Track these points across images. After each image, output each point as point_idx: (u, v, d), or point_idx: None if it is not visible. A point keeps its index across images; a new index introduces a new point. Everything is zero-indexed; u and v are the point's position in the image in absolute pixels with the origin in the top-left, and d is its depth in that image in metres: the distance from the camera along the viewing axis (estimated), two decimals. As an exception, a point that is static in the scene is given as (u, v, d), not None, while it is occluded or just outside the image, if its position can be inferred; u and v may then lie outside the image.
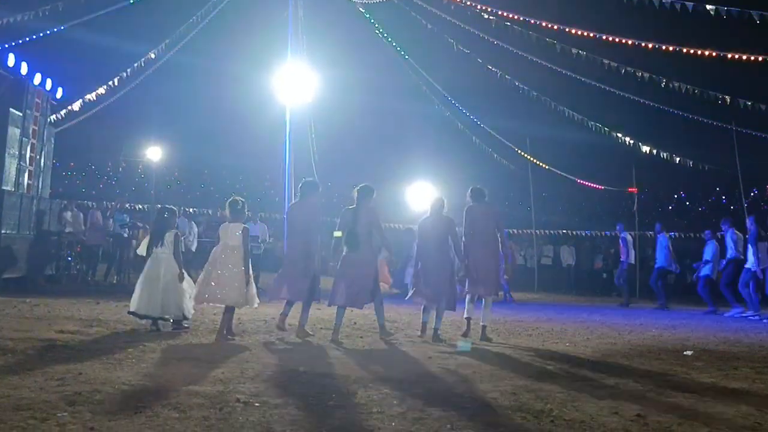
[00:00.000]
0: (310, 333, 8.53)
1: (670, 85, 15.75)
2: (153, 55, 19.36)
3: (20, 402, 4.44)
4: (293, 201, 8.67)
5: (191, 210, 25.08)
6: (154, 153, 27.66)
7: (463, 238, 9.18)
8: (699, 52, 13.92)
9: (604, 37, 14.89)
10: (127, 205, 21.63)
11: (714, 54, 13.83)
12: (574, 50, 15.27)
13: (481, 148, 24.87)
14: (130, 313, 8.35)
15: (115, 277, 17.22)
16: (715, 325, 12.44)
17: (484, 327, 9.10)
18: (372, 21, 21.17)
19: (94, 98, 19.66)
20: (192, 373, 5.69)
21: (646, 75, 15.60)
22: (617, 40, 14.83)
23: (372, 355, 7.38)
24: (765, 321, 13.73)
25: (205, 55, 23.63)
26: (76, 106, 19.35)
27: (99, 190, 33.25)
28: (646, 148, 21.27)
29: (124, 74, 19.83)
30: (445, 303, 8.90)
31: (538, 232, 26.65)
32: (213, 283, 7.97)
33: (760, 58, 13.44)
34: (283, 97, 17.72)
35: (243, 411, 4.47)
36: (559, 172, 26.10)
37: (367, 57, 25.15)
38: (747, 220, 15.05)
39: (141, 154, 28.72)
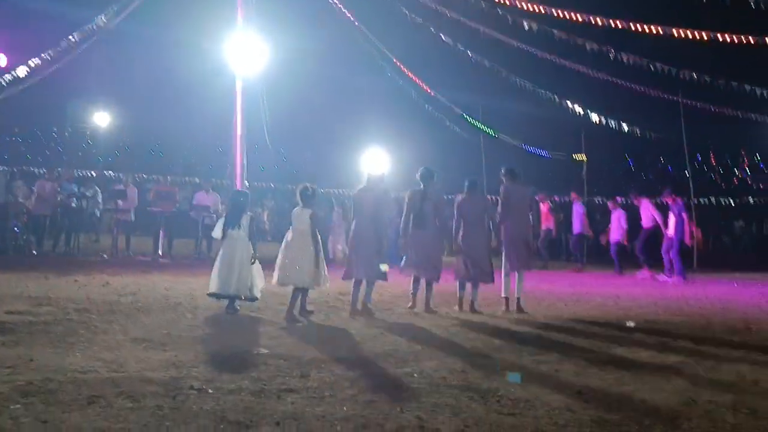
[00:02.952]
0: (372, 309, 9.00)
1: (618, 57, 16.05)
2: (103, 22, 18.83)
3: (-28, 393, 4.44)
4: (360, 186, 9.45)
5: (140, 176, 24.77)
6: (101, 119, 27.20)
7: (499, 216, 9.90)
8: (646, 28, 14.21)
9: (554, 11, 15.06)
10: (75, 173, 21.26)
11: (660, 31, 14.13)
12: (525, 22, 15.42)
13: (434, 115, 25.02)
14: (209, 295, 8.65)
15: (64, 248, 17.00)
16: (657, 293, 12.84)
17: (518, 299, 9.69)
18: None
19: (39, 64, 19.08)
20: (145, 357, 5.72)
21: (596, 47, 15.85)
22: (567, 14, 15.01)
23: (325, 334, 7.49)
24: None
25: (152, 21, 23.10)
26: (20, 72, 18.77)
27: (45, 156, 32.45)
28: (595, 117, 21.67)
29: (71, 38, 19.28)
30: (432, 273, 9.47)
31: (490, 197, 26.98)
32: (287, 267, 8.55)
33: (704, 35, 13.81)
34: (233, 64, 17.46)
35: (197, 399, 4.54)
36: (509, 139, 26.43)
37: (319, 25, 24.91)
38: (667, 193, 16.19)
39: (88, 120, 28.19)
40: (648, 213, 16.41)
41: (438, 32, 18.97)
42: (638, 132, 22.70)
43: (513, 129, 27.76)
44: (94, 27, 19.11)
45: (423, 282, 9.49)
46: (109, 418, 4.08)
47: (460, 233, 9.71)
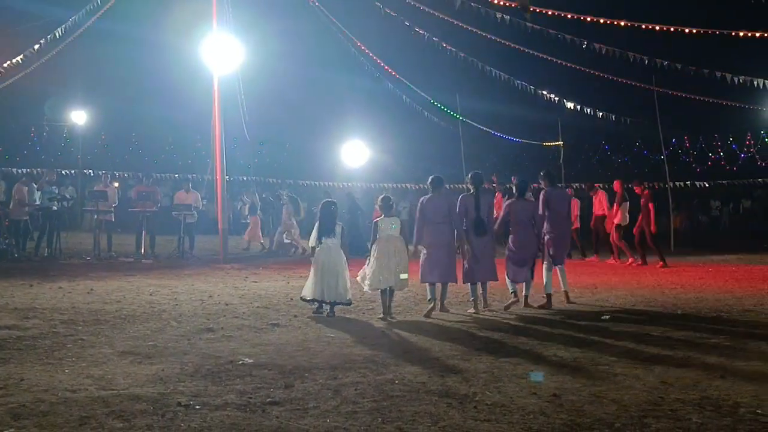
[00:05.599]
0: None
1: (591, 47, 16.37)
2: (74, 21, 18.78)
3: (-34, 418, 4.57)
4: (427, 195, 9.65)
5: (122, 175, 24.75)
6: (78, 117, 27.07)
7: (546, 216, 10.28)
8: (615, 22, 14.57)
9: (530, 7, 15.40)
10: (56, 171, 21.18)
11: (630, 24, 14.50)
12: (498, 15, 15.65)
13: (412, 107, 25.32)
14: (303, 299, 9.28)
15: (46, 250, 17.01)
16: (633, 281, 13.11)
17: (566, 292, 10.48)
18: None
19: (17, 63, 19.00)
20: (132, 372, 5.86)
21: (568, 37, 16.12)
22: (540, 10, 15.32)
23: (305, 338, 7.58)
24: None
25: (128, 18, 23.03)
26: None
27: (23, 156, 32.29)
28: (570, 104, 22.09)
29: (50, 37, 19.21)
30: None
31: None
32: (385, 271, 9.07)
33: (672, 29, 14.16)
34: (210, 61, 17.44)
35: (185, 416, 4.69)
36: (485, 128, 26.76)
37: (295, 20, 25.00)
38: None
39: (65, 118, 28.06)
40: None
41: (413, 26, 19.12)
42: (613, 117, 23.15)
43: (491, 118, 28.16)
44: (70, 25, 19.07)
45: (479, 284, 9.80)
46: (100, 440, 4.24)
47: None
